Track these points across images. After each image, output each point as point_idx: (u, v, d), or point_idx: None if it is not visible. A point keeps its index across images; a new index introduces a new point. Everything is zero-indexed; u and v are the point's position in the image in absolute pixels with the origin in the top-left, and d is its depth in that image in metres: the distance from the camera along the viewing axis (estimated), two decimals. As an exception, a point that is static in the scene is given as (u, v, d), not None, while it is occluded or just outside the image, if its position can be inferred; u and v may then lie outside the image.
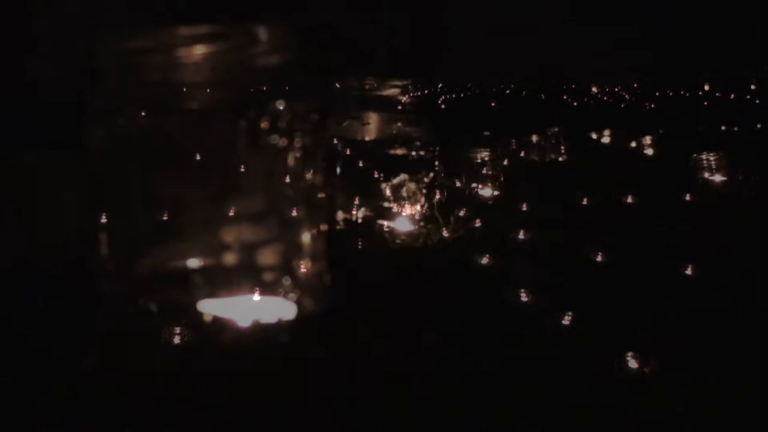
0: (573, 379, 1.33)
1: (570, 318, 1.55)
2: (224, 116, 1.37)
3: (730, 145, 3.00)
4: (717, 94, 4.26)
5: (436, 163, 2.42)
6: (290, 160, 1.40)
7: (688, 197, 2.54)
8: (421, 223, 2.25)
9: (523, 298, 1.62)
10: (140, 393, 1.19)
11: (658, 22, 4.59)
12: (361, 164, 2.36)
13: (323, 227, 1.46)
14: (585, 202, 2.39)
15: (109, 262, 1.38)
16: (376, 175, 2.33)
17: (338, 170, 2.32)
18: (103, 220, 1.36)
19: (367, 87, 2.42)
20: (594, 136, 3.57)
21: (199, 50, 1.37)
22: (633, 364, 1.36)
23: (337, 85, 2.43)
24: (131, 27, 1.38)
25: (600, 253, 1.93)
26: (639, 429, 1.22)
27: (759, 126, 3.64)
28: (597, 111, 3.99)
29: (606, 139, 3.52)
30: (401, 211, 2.29)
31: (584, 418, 1.22)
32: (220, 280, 1.35)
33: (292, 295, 1.39)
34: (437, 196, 2.39)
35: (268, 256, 1.38)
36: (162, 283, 1.35)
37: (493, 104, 3.94)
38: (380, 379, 1.29)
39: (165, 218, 1.37)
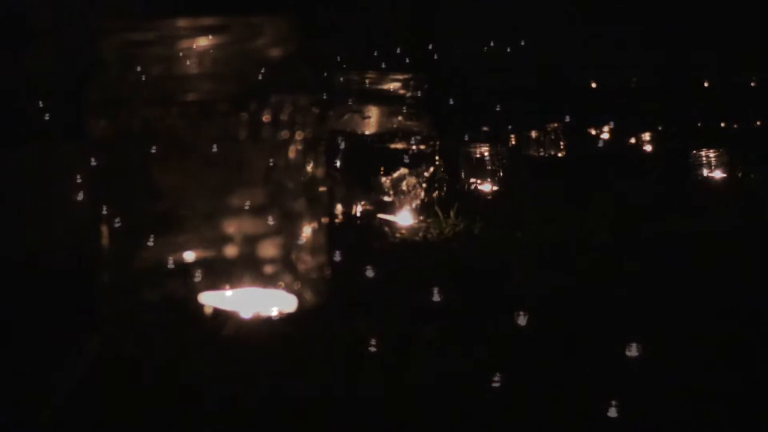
0: (573, 375, 1.33)
1: (570, 315, 1.55)
2: (225, 108, 1.37)
3: (729, 141, 3.01)
4: (716, 91, 4.27)
5: (437, 157, 2.42)
6: (291, 153, 1.40)
7: (687, 194, 2.54)
8: (421, 217, 2.25)
9: (524, 294, 1.63)
10: (140, 387, 1.19)
11: (659, 20, 4.59)
12: (361, 158, 2.36)
13: (324, 220, 1.46)
14: (584, 198, 2.39)
15: (109, 253, 1.38)
16: (376, 169, 2.33)
17: (338, 163, 2.32)
18: (104, 211, 1.36)
19: (368, 81, 2.42)
20: (593, 132, 3.57)
21: (201, 42, 1.37)
22: (633, 354, 1.36)
23: (340, 79, 2.43)
24: (133, 18, 1.38)
25: (599, 250, 1.94)
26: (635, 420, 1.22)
27: (758, 123, 3.65)
28: (596, 107, 4.00)
29: (605, 135, 3.53)
30: (401, 204, 2.29)
31: (585, 413, 1.23)
32: (221, 273, 1.36)
33: (292, 287, 1.40)
34: (437, 191, 2.39)
35: (268, 249, 1.38)
36: (163, 275, 1.35)
37: (492, 100, 3.94)
38: (380, 373, 1.29)
39: (166, 210, 1.37)
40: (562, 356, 1.40)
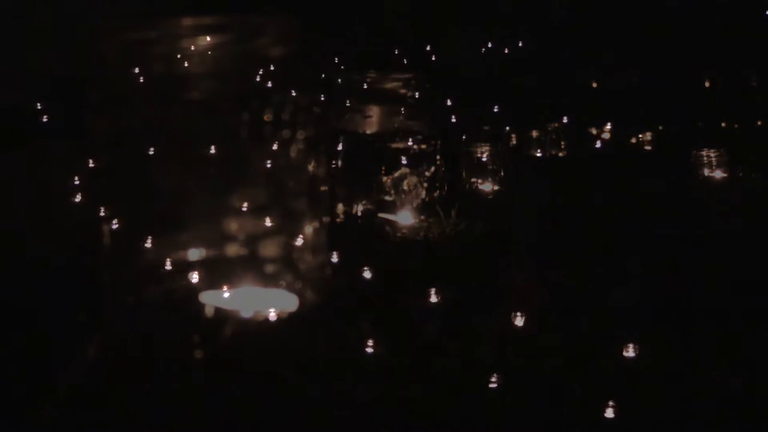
0: (573, 373, 1.33)
1: (570, 313, 1.55)
2: (227, 107, 1.37)
3: (729, 141, 3.00)
4: (717, 91, 4.26)
5: (437, 157, 2.42)
6: (292, 152, 1.40)
7: (687, 194, 2.54)
8: (422, 216, 2.25)
9: (524, 293, 1.63)
10: (141, 385, 1.19)
11: (659, 20, 4.58)
12: (362, 157, 2.36)
13: (325, 219, 1.46)
14: (585, 198, 2.38)
15: (111, 252, 1.38)
16: (377, 168, 2.32)
17: (339, 163, 2.32)
18: (104, 211, 1.36)
19: (368, 81, 2.42)
20: (594, 131, 3.57)
21: (203, 41, 1.37)
22: (631, 354, 1.36)
23: (340, 79, 2.43)
24: (135, 18, 1.38)
25: (600, 250, 1.94)
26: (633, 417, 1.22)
27: (759, 123, 3.64)
28: (596, 107, 3.99)
29: (606, 135, 3.52)
30: (402, 204, 2.29)
31: (585, 410, 1.23)
32: (221, 272, 1.36)
33: (293, 286, 1.40)
34: (438, 190, 2.39)
35: (269, 248, 1.38)
36: (163, 275, 1.35)
37: (493, 100, 3.93)
38: (381, 372, 1.29)
39: (166, 210, 1.37)
40: (561, 356, 1.40)
